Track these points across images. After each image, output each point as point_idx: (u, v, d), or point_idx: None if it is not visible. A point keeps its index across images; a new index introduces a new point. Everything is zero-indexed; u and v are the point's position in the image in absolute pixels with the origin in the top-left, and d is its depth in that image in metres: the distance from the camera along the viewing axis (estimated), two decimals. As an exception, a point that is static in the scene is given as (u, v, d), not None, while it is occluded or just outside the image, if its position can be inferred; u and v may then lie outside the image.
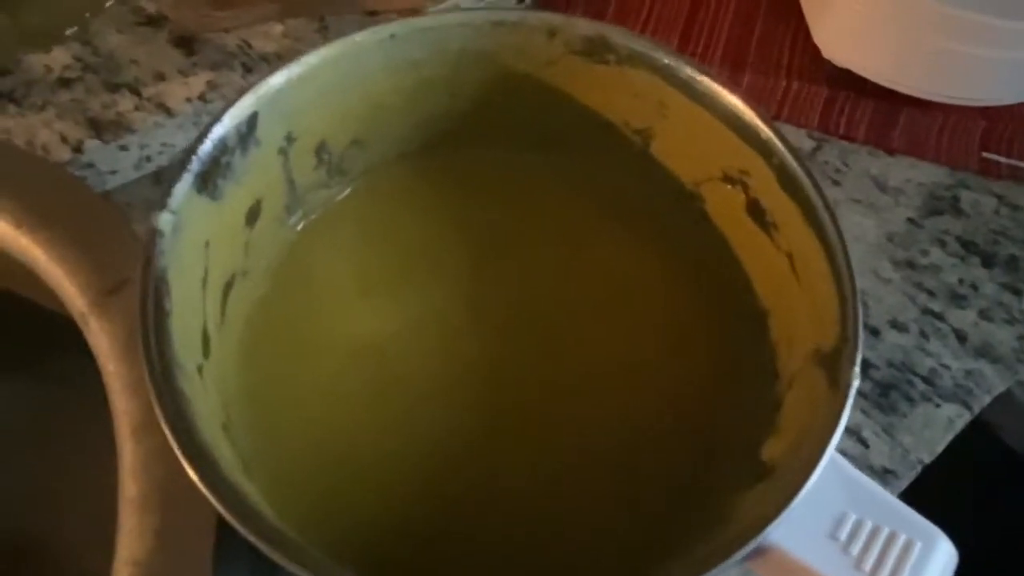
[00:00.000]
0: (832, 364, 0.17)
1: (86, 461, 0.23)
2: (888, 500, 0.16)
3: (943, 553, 0.16)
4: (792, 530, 0.16)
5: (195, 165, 0.18)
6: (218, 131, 0.18)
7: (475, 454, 0.20)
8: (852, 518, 0.16)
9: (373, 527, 0.19)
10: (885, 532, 0.16)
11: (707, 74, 0.20)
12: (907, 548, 0.16)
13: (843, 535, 0.16)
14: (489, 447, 0.20)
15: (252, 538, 0.15)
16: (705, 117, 0.20)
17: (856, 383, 0.16)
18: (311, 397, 0.20)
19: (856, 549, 0.16)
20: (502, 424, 0.20)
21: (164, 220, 0.17)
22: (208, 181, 0.18)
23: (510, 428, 0.20)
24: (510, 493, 0.19)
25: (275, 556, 0.14)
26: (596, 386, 0.21)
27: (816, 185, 0.18)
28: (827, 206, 0.18)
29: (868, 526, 0.16)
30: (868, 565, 0.16)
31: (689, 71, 0.20)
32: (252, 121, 0.19)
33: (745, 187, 0.20)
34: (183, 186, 0.18)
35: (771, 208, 0.19)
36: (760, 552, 0.16)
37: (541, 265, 0.23)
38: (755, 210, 0.20)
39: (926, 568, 0.16)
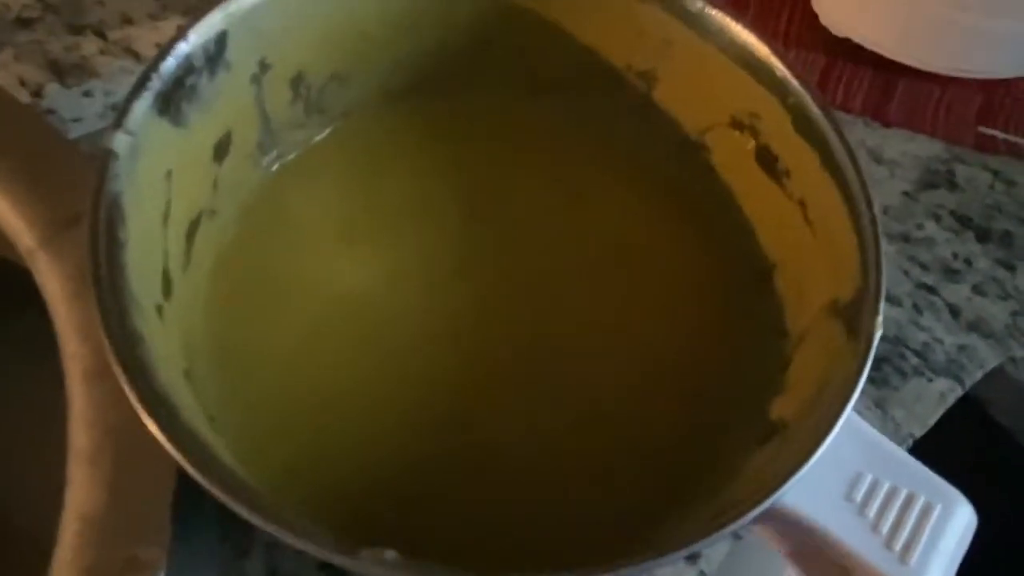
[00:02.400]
0: (852, 315, 0.15)
1: (44, 424, 0.22)
2: (906, 460, 0.15)
3: (963, 516, 0.15)
4: (806, 491, 0.14)
5: (156, 83, 0.16)
6: (182, 48, 0.17)
7: (460, 411, 0.18)
8: (868, 479, 0.15)
9: (349, 485, 0.17)
10: (903, 494, 0.15)
11: (719, 7, 0.18)
12: (926, 511, 0.15)
13: (859, 496, 0.15)
14: (476, 404, 0.18)
15: (215, 490, 0.13)
16: (714, 55, 0.19)
17: (879, 332, 0.15)
18: (284, 346, 0.18)
19: (872, 511, 0.15)
20: (490, 380, 0.19)
21: (119, 141, 0.15)
22: (170, 103, 0.17)
23: (500, 384, 0.19)
24: (501, 451, 0.18)
25: (241, 510, 0.13)
26: (591, 342, 0.20)
27: (836, 126, 0.17)
28: (848, 149, 0.17)
29: (885, 487, 0.15)
30: (885, 528, 0.15)
31: (699, 4, 0.18)
32: (221, 40, 0.17)
33: (755, 132, 0.19)
34: (142, 105, 0.16)
35: (783, 154, 0.18)
36: (772, 514, 0.15)
37: (534, 218, 0.22)
38: (765, 157, 0.19)
39: (945, 532, 0.15)
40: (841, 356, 0.15)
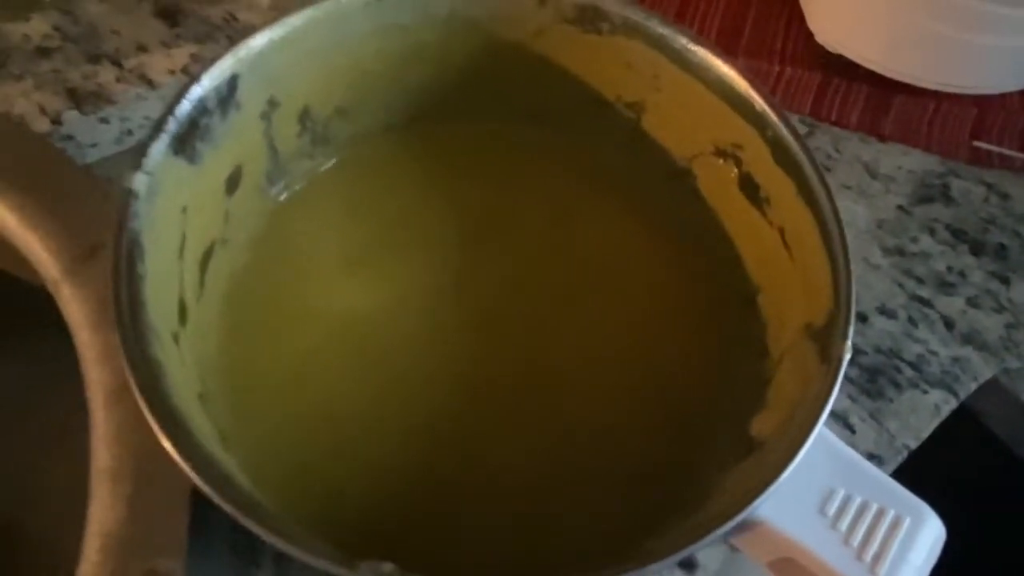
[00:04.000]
0: (824, 338, 0.16)
1: (63, 439, 0.23)
2: (878, 476, 0.16)
3: (932, 529, 0.16)
4: (780, 504, 0.15)
5: (172, 126, 0.17)
6: (196, 92, 0.18)
7: (459, 431, 0.19)
8: (841, 493, 0.16)
9: (355, 503, 0.18)
10: (874, 508, 0.16)
11: (702, 44, 0.19)
12: (896, 524, 0.16)
13: (831, 510, 0.16)
14: (474, 424, 0.19)
15: (227, 507, 0.14)
16: (699, 89, 0.20)
17: (848, 356, 0.16)
18: (292, 369, 0.20)
19: (844, 524, 0.16)
20: (487, 401, 0.20)
21: (139, 181, 0.17)
22: (186, 143, 0.18)
23: (495, 405, 0.20)
24: (494, 470, 0.19)
25: (251, 525, 0.14)
26: (583, 363, 0.21)
27: (811, 158, 0.18)
28: (821, 179, 0.17)
29: (857, 501, 0.16)
30: (856, 540, 0.15)
31: (684, 41, 0.19)
32: (232, 83, 0.18)
33: (738, 161, 0.20)
34: (159, 146, 0.17)
35: (764, 182, 0.19)
36: (747, 526, 0.15)
37: (528, 241, 0.23)
38: (747, 185, 0.20)
39: (914, 544, 0.15)
40: (814, 377, 0.16)
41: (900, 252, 0.31)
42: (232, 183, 0.20)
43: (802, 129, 0.34)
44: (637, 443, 0.19)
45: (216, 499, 0.14)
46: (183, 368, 0.17)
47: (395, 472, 0.19)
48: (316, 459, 0.19)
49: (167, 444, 0.15)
